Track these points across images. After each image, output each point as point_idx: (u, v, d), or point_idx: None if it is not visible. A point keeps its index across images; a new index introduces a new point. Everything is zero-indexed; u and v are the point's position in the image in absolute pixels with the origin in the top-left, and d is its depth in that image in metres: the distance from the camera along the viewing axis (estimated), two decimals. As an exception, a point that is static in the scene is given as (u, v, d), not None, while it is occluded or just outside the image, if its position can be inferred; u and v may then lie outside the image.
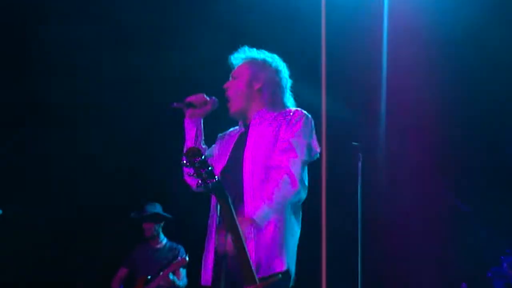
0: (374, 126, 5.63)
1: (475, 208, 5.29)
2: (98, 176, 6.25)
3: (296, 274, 3.01)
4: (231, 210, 2.81)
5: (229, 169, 3.20)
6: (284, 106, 3.35)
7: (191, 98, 3.39)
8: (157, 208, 6.21)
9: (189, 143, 3.40)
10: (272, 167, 3.07)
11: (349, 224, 4.35)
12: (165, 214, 6.20)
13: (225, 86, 3.41)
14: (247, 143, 3.21)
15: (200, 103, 3.38)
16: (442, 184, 5.40)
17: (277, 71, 3.40)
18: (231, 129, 3.52)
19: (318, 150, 3.24)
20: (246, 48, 3.47)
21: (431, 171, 5.51)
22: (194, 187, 3.14)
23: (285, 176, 3.03)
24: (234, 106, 3.36)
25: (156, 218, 6.20)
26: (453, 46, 5.48)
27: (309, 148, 3.18)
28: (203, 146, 3.44)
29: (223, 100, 3.41)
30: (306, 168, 3.17)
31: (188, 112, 3.41)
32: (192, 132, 3.40)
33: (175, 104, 3.37)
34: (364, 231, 4.21)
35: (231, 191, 2.88)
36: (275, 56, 3.45)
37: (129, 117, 6.02)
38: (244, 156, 3.17)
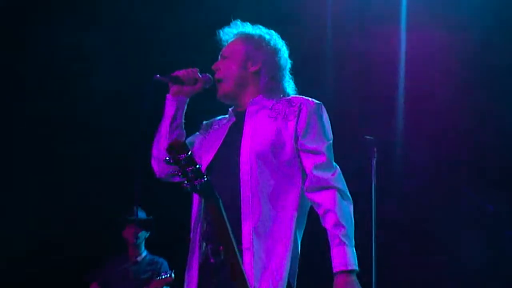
0: (389, 116, 5.35)
1: (501, 208, 4.91)
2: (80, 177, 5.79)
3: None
4: (222, 215, 2.47)
5: (218, 167, 2.78)
6: (284, 92, 2.91)
7: (180, 72, 2.94)
8: (142, 214, 5.59)
9: (164, 125, 2.93)
10: (309, 186, 2.68)
11: (362, 230, 3.88)
12: (148, 219, 5.57)
13: (214, 67, 2.95)
14: (244, 135, 2.79)
15: (190, 79, 2.93)
16: (465, 183, 5.08)
17: (276, 50, 2.94)
18: (219, 117, 3.06)
19: None
20: (238, 22, 3.00)
21: (453, 168, 5.22)
22: (161, 174, 2.93)
23: (338, 195, 2.65)
24: (224, 88, 2.90)
25: (146, 225, 5.58)
26: (478, 37, 5.17)
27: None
28: (181, 131, 2.98)
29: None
30: None
31: (173, 89, 2.95)
32: (171, 111, 2.93)
33: (158, 76, 2.88)
34: (379, 238, 3.89)
35: (223, 193, 2.50)
36: (273, 33, 3.00)
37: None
38: (242, 152, 2.74)
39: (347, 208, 2.65)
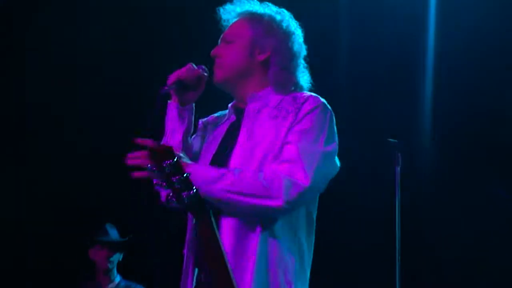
0: (416, 117, 5.01)
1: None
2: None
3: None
4: (214, 232, 2.17)
5: None
6: (296, 85, 2.52)
7: (182, 74, 2.53)
8: (116, 234, 4.84)
9: (173, 141, 2.55)
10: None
11: (384, 254, 3.70)
12: (124, 240, 4.85)
13: (213, 53, 2.56)
14: (238, 139, 2.45)
15: (193, 80, 2.55)
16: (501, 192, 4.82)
17: (289, 34, 2.55)
18: (218, 113, 2.69)
19: (339, 164, 2.42)
20: (251, 1, 2.59)
21: (485, 176, 4.90)
22: (163, 199, 2.46)
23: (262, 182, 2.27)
24: (223, 73, 2.52)
25: (119, 246, 4.78)
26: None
27: (325, 161, 2.35)
28: (190, 142, 2.62)
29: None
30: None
31: (180, 97, 2.56)
32: (183, 125, 2.56)
33: (166, 88, 2.49)
34: (404, 254, 3.58)
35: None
36: (285, 12, 2.59)
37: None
38: (231, 159, 2.41)
39: (251, 195, 2.27)
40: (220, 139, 2.53)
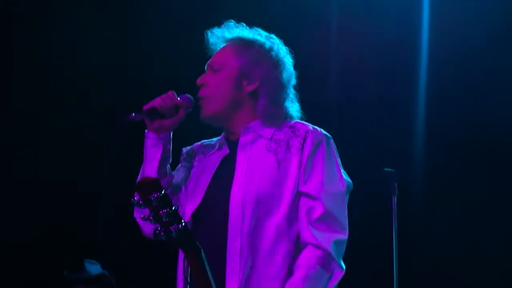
0: (409, 144, 4.97)
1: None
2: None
3: None
4: (205, 270, 2.13)
5: (205, 213, 2.43)
6: (286, 115, 2.48)
7: (156, 102, 2.47)
8: (98, 269, 4.95)
9: (149, 170, 2.51)
10: (302, 241, 2.34)
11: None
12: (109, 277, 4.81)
13: (199, 81, 2.51)
14: (236, 174, 2.41)
15: (169, 108, 2.47)
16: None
17: (278, 63, 2.51)
18: (204, 141, 2.63)
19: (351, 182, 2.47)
20: (232, 23, 2.55)
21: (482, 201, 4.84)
22: (149, 234, 2.35)
23: (321, 259, 2.30)
24: (212, 107, 2.47)
25: (101, 282, 4.59)
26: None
27: (347, 196, 2.42)
28: (169, 175, 2.56)
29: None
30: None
31: (154, 125, 2.49)
32: (158, 154, 2.50)
33: (133, 115, 2.43)
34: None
35: (207, 245, 2.19)
36: (275, 38, 2.55)
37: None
38: (232, 195, 2.37)
39: (325, 281, 2.29)
40: (213, 171, 2.47)
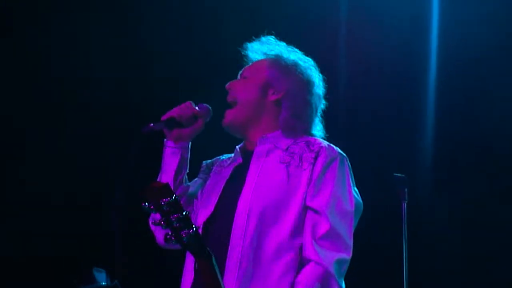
0: (418, 150, 4.96)
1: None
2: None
3: None
4: (216, 276, 2.14)
5: (215, 220, 2.47)
6: (306, 131, 2.53)
7: (174, 112, 2.53)
8: (105, 277, 4.63)
9: (166, 178, 2.57)
10: (304, 256, 2.36)
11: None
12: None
13: (228, 85, 2.58)
14: (246, 183, 2.45)
15: (188, 118, 2.54)
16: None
17: (308, 82, 2.57)
18: (224, 156, 2.69)
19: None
20: (272, 38, 2.63)
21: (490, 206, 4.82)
22: (161, 241, 2.47)
23: (319, 279, 2.31)
24: (234, 114, 2.53)
25: None
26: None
27: (355, 216, 2.42)
28: (185, 185, 2.62)
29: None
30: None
31: (172, 134, 2.54)
32: (175, 162, 2.55)
33: (152, 125, 2.47)
34: None
35: (215, 251, 2.19)
36: (311, 61, 2.62)
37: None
38: (239, 205, 2.41)
39: None
40: (225, 181, 2.51)
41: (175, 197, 2.08)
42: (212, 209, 2.46)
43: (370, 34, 4.94)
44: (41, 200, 4.95)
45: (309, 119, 2.54)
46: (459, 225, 4.81)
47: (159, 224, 2.10)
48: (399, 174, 3.81)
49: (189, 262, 2.47)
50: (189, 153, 2.59)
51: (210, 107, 2.58)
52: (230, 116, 2.54)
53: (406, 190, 3.76)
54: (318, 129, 2.58)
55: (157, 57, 4.89)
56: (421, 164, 4.93)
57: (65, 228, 4.91)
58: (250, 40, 2.69)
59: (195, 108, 2.53)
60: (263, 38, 2.65)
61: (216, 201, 2.47)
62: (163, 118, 2.52)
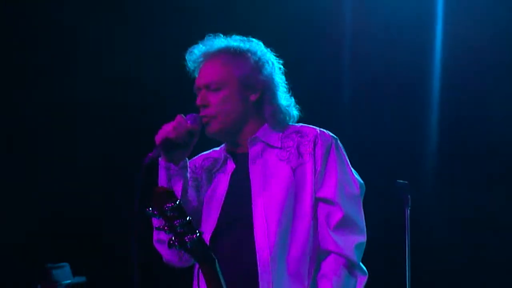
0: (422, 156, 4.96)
1: None
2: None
3: None
4: (219, 279, 2.17)
5: (227, 233, 2.42)
6: (289, 116, 2.49)
7: (170, 133, 2.38)
8: (68, 273, 4.49)
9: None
10: (323, 247, 2.39)
11: None
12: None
13: (201, 102, 2.45)
14: (253, 189, 2.41)
15: (184, 135, 2.40)
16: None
17: (268, 63, 2.49)
18: (205, 154, 2.60)
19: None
20: (218, 37, 2.50)
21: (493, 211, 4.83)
22: (170, 261, 2.52)
23: (344, 266, 2.37)
24: (220, 123, 2.44)
25: None
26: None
27: (362, 197, 2.47)
28: (189, 197, 2.51)
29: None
30: None
31: (172, 157, 2.43)
32: (179, 186, 2.43)
33: (151, 154, 2.37)
34: None
35: (233, 266, 2.30)
36: (253, 40, 2.52)
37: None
38: (254, 212, 2.38)
39: (352, 286, 2.38)
40: (225, 190, 2.46)
41: (178, 202, 2.09)
42: (215, 223, 2.42)
43: (375, 41, 4.94)
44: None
45: (286, 100, 2.49)
46: (462, 232, 4.81)
47: (162, 229, 2.12)
48: (402, 181, 3.83)
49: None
50: (188, 169, 2.47)
51: (199, 116, 2.44)
52: (215, 126, 2.43)
53: (409, 196, 3.78)
54: (292, 105, 2.51)
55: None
56: (424, 171, 4.93)
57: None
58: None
59: (188, 124, 2.41)
60: (208, 39, 2.50)
61: (218, 213, 2.43)
62: (158, 139, 2.40)
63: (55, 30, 5.04)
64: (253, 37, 2.53)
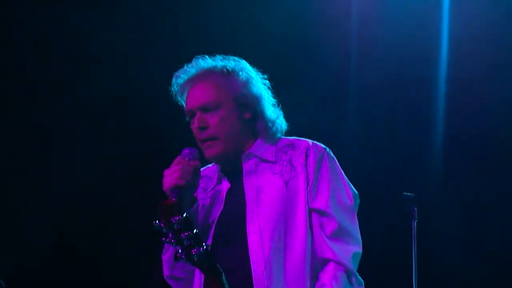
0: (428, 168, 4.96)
1: None
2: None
3: None
4: None
5: (221, 251, 2.42)
6: (279, 128, 2.53)
7: (178, 180, 2.37)
8: None
9: None
10: (321, 256, 2.42)
11: None
12: None
13: (199, 125, 2.46)
14: (247, 204, 2.45)
15: (192, 177, 2.40)
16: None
17: (255, 78, 2.53)
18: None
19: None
20: (204, 59, 2.51)
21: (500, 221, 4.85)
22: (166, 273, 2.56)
23: (342, 274, 2.38)
24: (220, 149, 2.47)
25: None
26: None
27: (356, 208, 2.49)
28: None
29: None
30: None
31: (186, 203, 2.42)
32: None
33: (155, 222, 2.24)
34: None
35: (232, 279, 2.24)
36: (231, 57, 2.55)
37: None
38: (248, 228, 2.42)
39: None
40: (220, 209, 2.48)
41: (185, 215, 2.11)
42: (210, 242, 2.44)
43: (380, 43, 4.95)
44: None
45: (277, 114, 2.53)
46: (470, 245, 4.81)
47: (169, 242, 2.13)
48: (408, 193, 3.85)
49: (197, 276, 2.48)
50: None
51: (196, 149, 2.46)
52: (218, 147, 2.45)
53: (415, 209, 3.80)
54: (278, 113, 2.53)
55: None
56: (430, 183, 4.93)
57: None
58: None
59: (190, 163, 2.41)
60: (192, 64, 2.51)
61: (212, 232, 2.46)
62: (167, 188, 2.35)
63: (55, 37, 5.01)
64: (261, 41, 2.57)
